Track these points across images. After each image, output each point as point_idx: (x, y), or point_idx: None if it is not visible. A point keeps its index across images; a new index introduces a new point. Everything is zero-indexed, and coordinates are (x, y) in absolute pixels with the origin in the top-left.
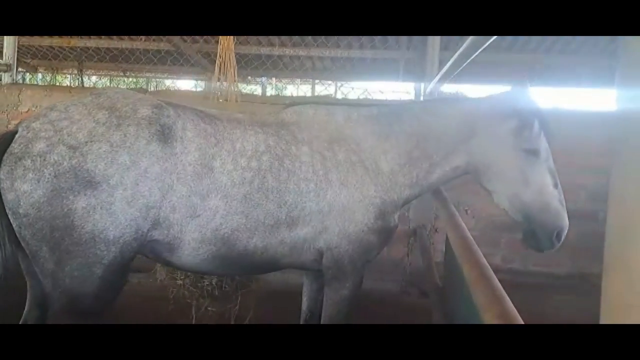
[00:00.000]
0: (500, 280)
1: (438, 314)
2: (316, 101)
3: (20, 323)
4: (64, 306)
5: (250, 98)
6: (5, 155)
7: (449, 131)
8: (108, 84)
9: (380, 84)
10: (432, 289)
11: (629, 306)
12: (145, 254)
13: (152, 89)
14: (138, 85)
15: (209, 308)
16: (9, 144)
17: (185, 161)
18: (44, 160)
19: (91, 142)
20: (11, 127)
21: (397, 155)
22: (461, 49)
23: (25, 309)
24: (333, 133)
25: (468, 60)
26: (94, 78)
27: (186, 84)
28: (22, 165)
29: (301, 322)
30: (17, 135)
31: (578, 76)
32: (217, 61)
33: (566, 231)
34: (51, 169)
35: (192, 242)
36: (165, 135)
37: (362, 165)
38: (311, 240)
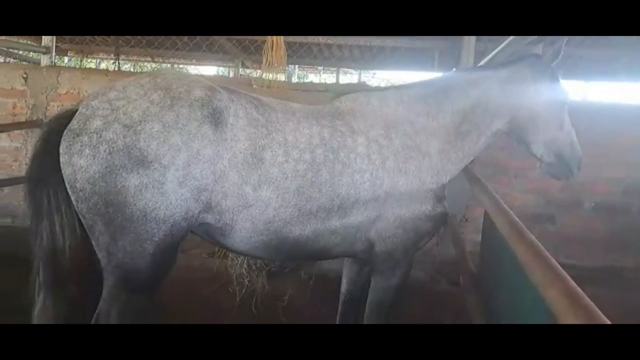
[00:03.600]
0: None
1: (473, 299)
2: (358, 89)
3: None
4: (118, 281)
5: (284, 84)
6: (66, 131)
7: (494, 99)
8: (132, 69)
9: (413, 74)
10: (466, 276)
11: None
12: (199, 234)
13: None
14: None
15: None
16: (69, 121)
17: (236, 148)
18: (100, 137)
19: (145, 121)
20: (50, 108)
21: (447, 132)
22: (501, 46)
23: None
24: (388, 119)
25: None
26: (122, 63)
27: (208, 70)
28: (80, 141)
29: (340, 304)
30: (77, 113)
31: (613, 70)
32: (265, 47)
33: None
34: (106, 146)
35: (244, 230)
36: (216, 119)
37: (418, 149)
38: (364, 229)
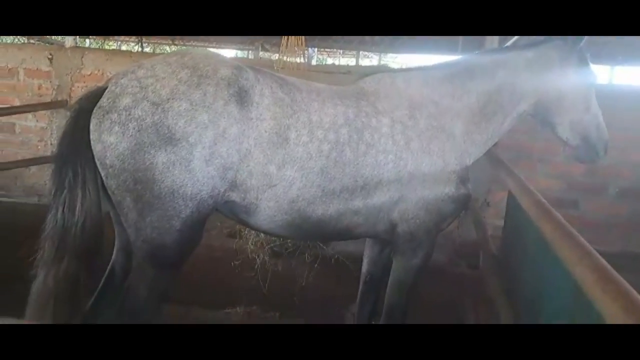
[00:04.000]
0: None
1: (494, 280)
2: (381, 70)
3: (107, 270)
4: (146, 256)
5: (302, 66)
6: (96, 108)
7: (521, 80)
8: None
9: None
10: (487, 258)
11: None
12: (224, 213)
13: None
14: None
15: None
16: (100, 98)
17: (261, 127)
18: (129, 114)
19: (172, 99)
20: (74, 89)
21: (472, 114)
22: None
23: (113, 256)
24: (412, 99)
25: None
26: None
27: (228, 53)
28: (109, 119)
29: (360, 284)
30: (106, 90)
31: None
32: None
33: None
34: (135, 123)
35: (268, 209)
36: (242, 97)
37: (443, 130)
38: (387, 210)
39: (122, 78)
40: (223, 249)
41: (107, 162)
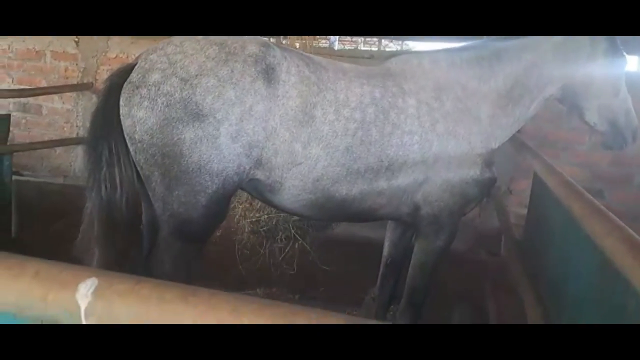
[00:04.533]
0: None
1: (517, 266)
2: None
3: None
4: (173, 230)
5: (327, 51)
6: (126, 83)
7: (548, 63)
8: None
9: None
10: (510, 244)
11: None
12: (248, 191)
13: None
14: None
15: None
16: (129, 74)
17: (287, 105)
18: (158, 90)
19: (200, 75)
20: (100, 71)
21: (498, 97)
22: None
23: (142, 224)
24: (439, 81)
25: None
26: None
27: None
28: (139, 94)
29: (381, 267)
30: (136, 66)
31: None
32: None
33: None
34: (164, 98)
35: (292, 188)
36: (269, 75)
37: (469, 113)
38: (411, 192)
39: (151, 54)
40: (241, 230)
41: (136, 136)
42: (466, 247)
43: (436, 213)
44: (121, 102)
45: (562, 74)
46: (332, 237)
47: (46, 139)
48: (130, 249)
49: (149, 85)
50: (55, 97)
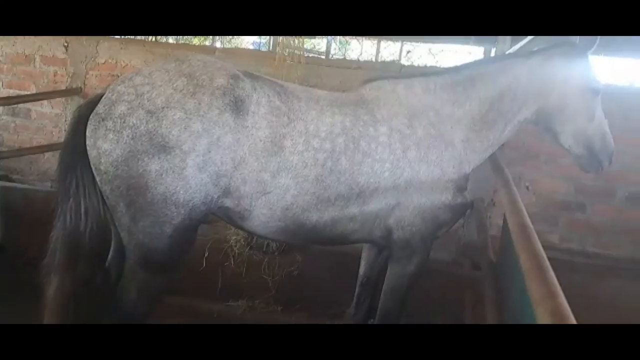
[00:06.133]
0: (556, 260)
1: (490, 290)
2: (392, 75)
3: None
4: (138, 259)
5: (317, 60)
6: (92, 114)
7: (523, 87)
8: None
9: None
10: (485, 263)
11: None
12: (219, 217)
13: (218, 44)
14: (205, 39)
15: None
16: (96, 105)
17: (256, 136)
18: (124, 122)
19: (167, 108)
20: (89, 77)
21: (473, 121)
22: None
23: (109, 254)
24: (412, 107)
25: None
26: None
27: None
28: (105, 126)
29: (357, 286)
30: (103, 97)
31: None
32: None
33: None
34: (129, 131)
35: (261, 216)
36: (237, 106)
37: (442, 138)
38: (383, 217)
39: (119, 85)
40: (226, 241)
41: (102, 168)
42: (450, 259)
43: (408, 237)
44: (87, 134)
45: (535, 98)
46: (317, 250)
47: (35, 143)
48: (95, 278)
49: (115, 117)
50: (44, 101)
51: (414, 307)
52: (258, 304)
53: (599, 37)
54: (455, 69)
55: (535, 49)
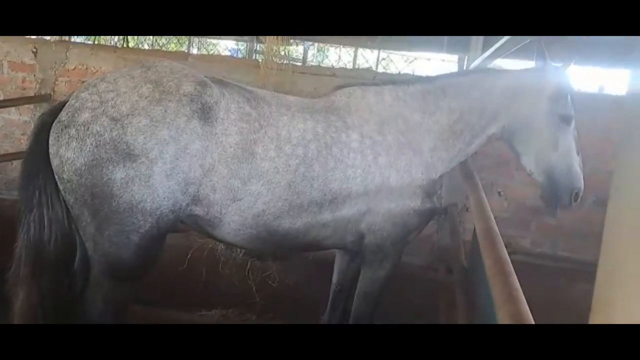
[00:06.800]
0: (527, 264)
1: (461, 294)
2: (363, 82)
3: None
4: (104, 269)
5: (291, 67)
6: (55, 122)
7: (493, 102)
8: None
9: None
10: (457, 268)
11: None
12: (189, 225)
13: (195, 51)
14: (181, 46)
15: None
16: (59, 112)
17: (226, 143)
18: (87, 130)
19: (132, 115)
20: (58, 83)
21: (441, 131)
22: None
23: (75, 263)
24: (382, 114)
25: (518, 46)
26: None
27: (227, 43)
28: (67, 134)
29: (330, 294)
30: (66, 104)
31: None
32: None
33: (582, 193)
34: (93, 139)
35: (232, 223)
36: (205, 114)
37: (410, 146)
38: (355, 222)
39: (83, 92)
40: (201, 249)
41: (65, 176)
42: (425, 263)
43: (379, 242)
44: (50, 142)
45: (504, 115)
46: (292, 257)
47: (2, 151)
48: (60, 288)
49: (78, 124)
50: (12, 108)
51: (389, 311)
52: (231, 313)
53: (573, 61)
54: (427, 79)
55: (506, 69)
